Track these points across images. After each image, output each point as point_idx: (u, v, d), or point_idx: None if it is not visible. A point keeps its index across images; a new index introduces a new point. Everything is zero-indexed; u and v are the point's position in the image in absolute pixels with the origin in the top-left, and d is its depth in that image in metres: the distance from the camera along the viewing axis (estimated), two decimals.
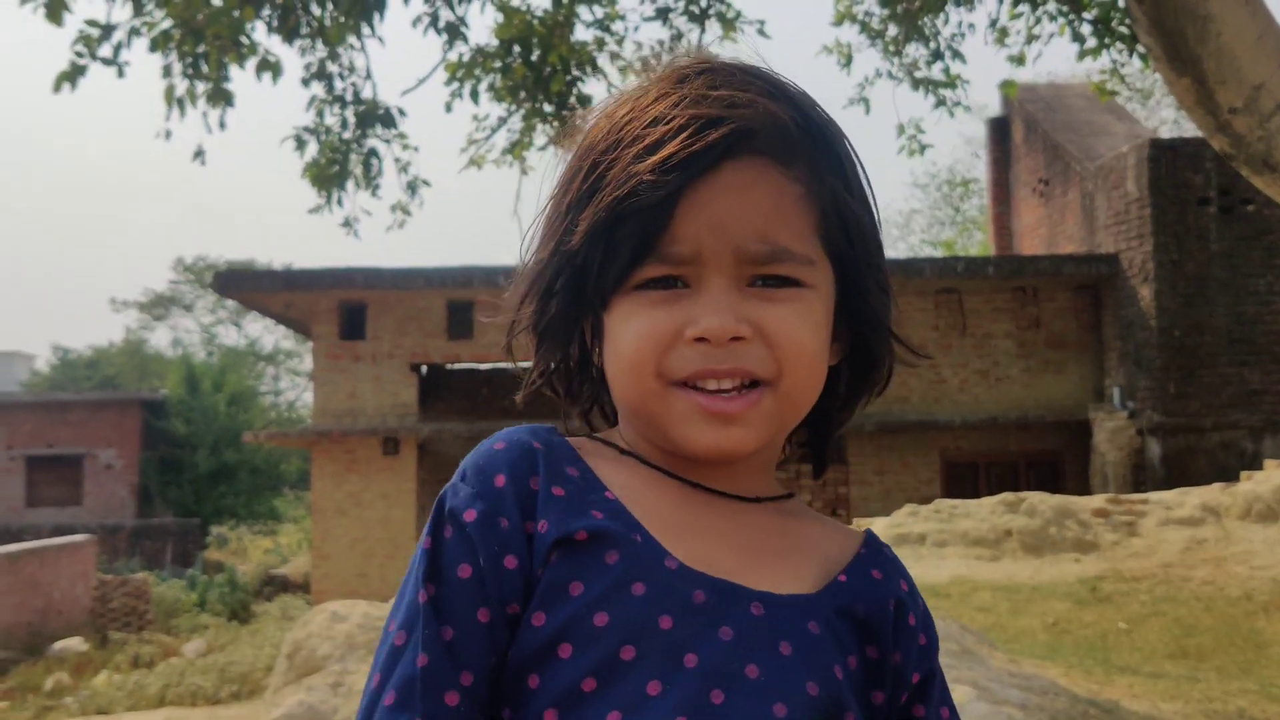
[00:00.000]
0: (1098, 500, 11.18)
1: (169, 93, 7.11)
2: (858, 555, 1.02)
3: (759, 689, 0.88)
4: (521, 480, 0.92)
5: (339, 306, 17.77)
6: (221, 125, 7.45)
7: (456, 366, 19.08)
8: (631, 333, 0.94)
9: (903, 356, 1.07)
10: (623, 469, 0.98)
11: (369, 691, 0.90)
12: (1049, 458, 17.30)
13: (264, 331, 47.57)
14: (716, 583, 0.91)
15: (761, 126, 0.93)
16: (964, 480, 16.89)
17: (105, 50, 6.82)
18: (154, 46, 6.93)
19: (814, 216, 0.96)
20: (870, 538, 1.05)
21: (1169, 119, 30.19)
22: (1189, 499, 10.83)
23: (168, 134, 7.39)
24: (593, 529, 0.90)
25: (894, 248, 36.17)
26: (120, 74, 7.00)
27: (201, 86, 7.22)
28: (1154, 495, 11.29)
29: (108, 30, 6.78)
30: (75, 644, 16.31)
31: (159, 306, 47.16)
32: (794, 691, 0.89)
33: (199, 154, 7.75)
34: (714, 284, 0.93)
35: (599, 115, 1.00)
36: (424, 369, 18.37)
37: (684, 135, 0.91)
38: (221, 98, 7.28)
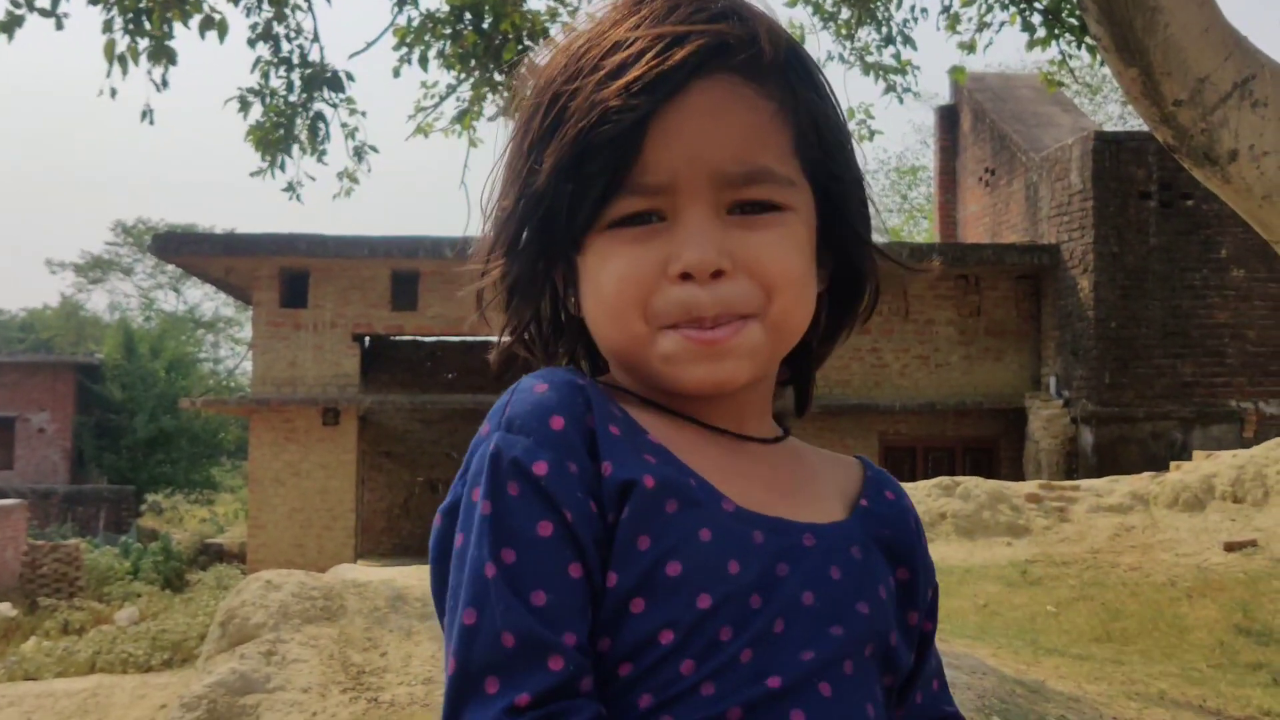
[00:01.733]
0: (1031, 486, 11.35)
1: (109, 48, 6.95)
2: (865, 479, 1.02)
3: (816, 614, 0.88)
4: (579, 420, 0.87)
5: (281, 273, 17.54)
6: (164, 84, 7.30)
7: (400, 338, 18.94)
8: (612, 275, 0.90)
9: (892, 272, 1.03)
10: (652, 415, 0.93)
11: (451, 681, 0.82)
12: (985, 443, 17.54)
13: (204, 298, 46.90)
14: (771, 521, 0.90)
15: (730, 42, 0.89)
16: (902, 463, 17.08)
17: (43, 1, 6.66)
18: None
19: (790, 134, 0.92)
20: (867, 462, 1.05)
21: (1115, 114, 30.62)
22: (1119, 487, 11.03)
23: (112, 92, 7.23)
24: (655, 474, 0.86)
25: None
26: (59, 26, 6.84)
27: (144, 43, 7.07)
28: (1085, 482, 11.49)
29: None
30: (3, 609, 16.03)
31: (96, 269, 46.27)
32: (848, 613, 0.90)
33: (147, 113, 7.60)
34: (692, 214, 0.88)
35: (555, 50, 0.95)
36: (367, 340, 18.21)
37: (649, 56, 0.87)
38: (164, 55, 7.14)
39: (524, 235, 0.94)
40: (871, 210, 1.00)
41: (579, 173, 0.88)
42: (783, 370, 1.03)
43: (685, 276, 0.88)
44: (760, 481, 0.94)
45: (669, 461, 0.88)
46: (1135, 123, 22.71)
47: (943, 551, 10.01)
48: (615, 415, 0.89)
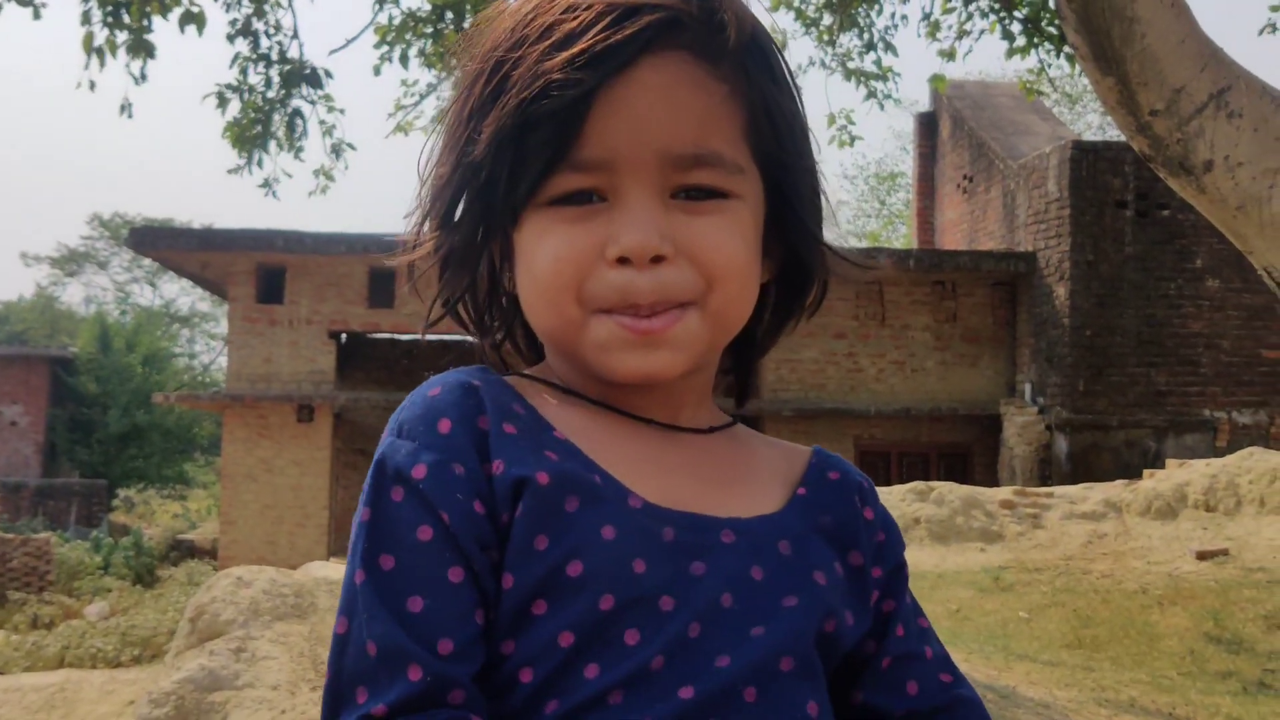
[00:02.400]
0: (1005, 492, 11.40)
1: (87, 41, 6.90)
2: (810, 465, 0.98)
3: (735, 616, 0.84)
4: (470, 421, 0.84)
5: (257, 269, 17.45)
6: (143, 77, 7.25)
7: (377, 336, 18.87)
8: (547, 254, 0.86)
9: (838, 269, 0.99)
10: (568, 407, 0.90)
11: (326, 689, 0.83)
12: (959, 450, 17.61)
13: (180, 292, 46.69)
14: (684, 517, 0.86)
15: (684, 19, 0.84)
16: (876, 468, 17.12)
17: None
18: None
19: (741, 119, 0.88)
20: (819, 450, 1.01)
21: (1094, 124, 30.81)
22: (1092, 494, 11.09)
23: (91, 85, 7.17)
24: (552, 471, 0.83)
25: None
26: (36, 15, 6.78)
27: (122, 36, 7.02)
28: (1059, 489, 11.55)
29: None
30: None
31: (72, 262, 45.98)
32: (771, 612, 0.85)
33: (125, 107, 7.54)
34: (634, 195, 0.84)
35: (502, 14, 0.90)
36: (343, 337, 18.14)
37: (598, 28, 0.82)
38: (142, 49, 7.08)
39: (460, 206, 0.91)
40: (824, 204, 0.97)
41: (518, 145, 0.84)
42: (724, 359, 0.99)
43: (623, 260, 0.84)
44: (684, 474, 0.90)
45: (573, 457, 0.85)
46: (1114, 132, 22.86)
47: (916, 557, 10.03)
48: (515, 413, 0.86)
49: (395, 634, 0.79)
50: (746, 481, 0.93)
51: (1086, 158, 16.00)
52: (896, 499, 10.99)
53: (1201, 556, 9.30)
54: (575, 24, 0.83)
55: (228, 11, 7.76)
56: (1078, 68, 7.00)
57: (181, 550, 21.82)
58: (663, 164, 0.84)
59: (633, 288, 0.84)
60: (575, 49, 0.82)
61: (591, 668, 0.80)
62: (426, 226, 0.94)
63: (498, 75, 0.86)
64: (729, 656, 0.82)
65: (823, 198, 0.96)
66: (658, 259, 0.84)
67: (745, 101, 0.88)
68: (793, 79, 0.94)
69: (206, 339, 46.92)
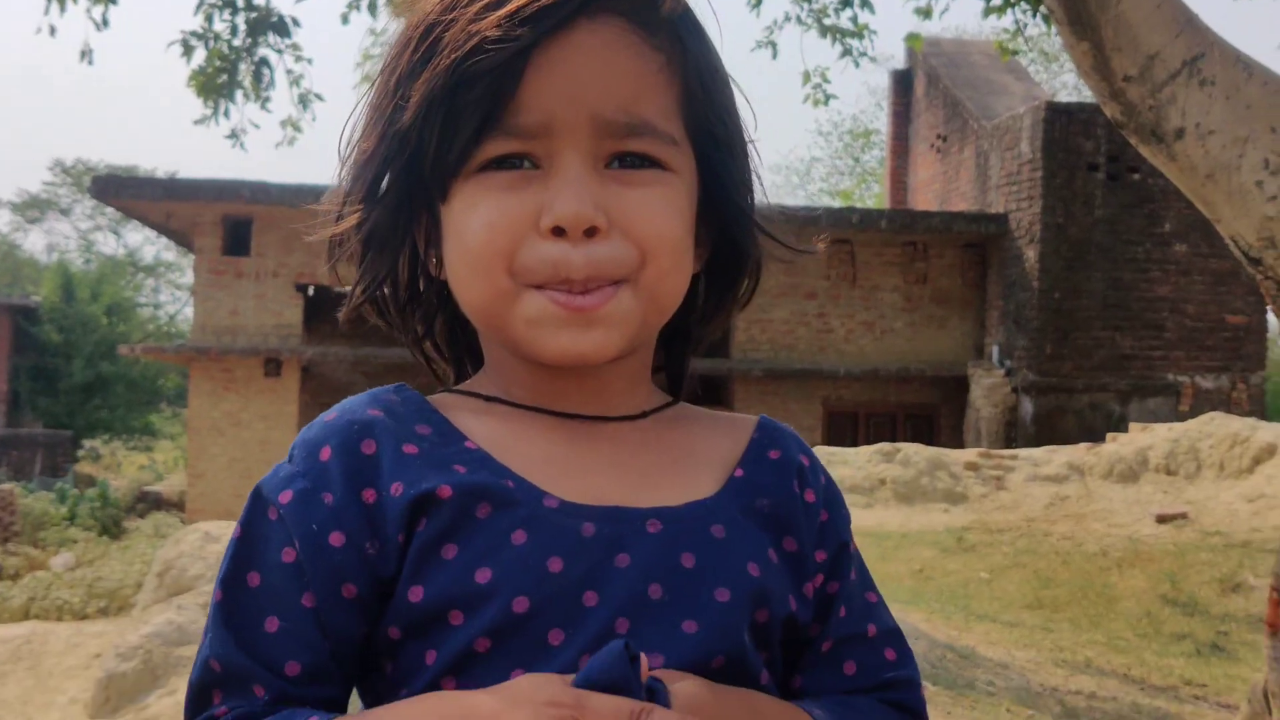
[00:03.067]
0: (970, 454, 11.50)
1: None
2: (751, 442, 0.94)
3: (664, 608, 0.81)
4: (351, 448, 0.83)
5: (223, 220, 17.26)
6: (104, 23, 7.12)
7: (344, 289, 18.71)
8: (478, 222, 0.83)
9: (773, 251, 0.96)
10: (487, 416, 0.89)
11: (187, 693, 0.84)
12: (926, 411, 17.72)
13: (145, 242, 46.10)
14: (605, 511, 0.84)
15: None
16: (844, 429, 17.22)
17: None
18: None
19: (676, 91, 0.86)
20: (764, 420, 0.97)
21: (1070, 83, 30.83)
22: (1056, 457, 11.21)
23: (51, 30, 7.03)
24: (456, 484, 0.82)
25: (793, 195, 36.47)
26: None
27: None
28: (1023, 451, 11.66)
29: None
30: None
31: (33, 208, 45.27)
32: (702, 603, 0.82)
33: (86, 53, 7.41)
34: (568, 162, 0.82)
35: None
36: (310, 290, 18.00)
37: None
38: None
39: (385, 179, 0.88)
40: (757, 184, 0.94)
41: (450, 107, 0.82)
42: (657, 354, 0.97)
43: (557, 231, 0.82)
44: (610, 467, 0.88)
45: (484, 466, 0.84)
46: (1089, 94, 22.88)
47: (881, 516, 10.12)
48: (418, 434, 0.85)
49: (236, 655, 0.81)
50: (680, 466, 0.90)
51: (1060, 119, 16.01)
52: (863, 460, 11.06)
53: (1161, 520, 9.43)
54: None
55: None
56: (1053, 28, 6.99)
57: (148, 502, 21.72)
58: (597, 130, 0.82)
59: (566, 262, 0.82)
60: (510, 7, 0.80)
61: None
62: (348, 204, 0.91)
63: (428, 39, 0.83)
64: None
65: (756, 178, 0.93)
66: (591, 231, 0.82)
67: (681, 73, 0.86)
68: (720, 59, 0.91)
69: (172, 289, 46.45)
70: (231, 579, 0.83)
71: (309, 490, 0.82)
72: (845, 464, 11.03)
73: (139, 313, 39.58)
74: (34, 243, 71.89)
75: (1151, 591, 7.94)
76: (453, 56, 0.81)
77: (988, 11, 8.25)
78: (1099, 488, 10.51)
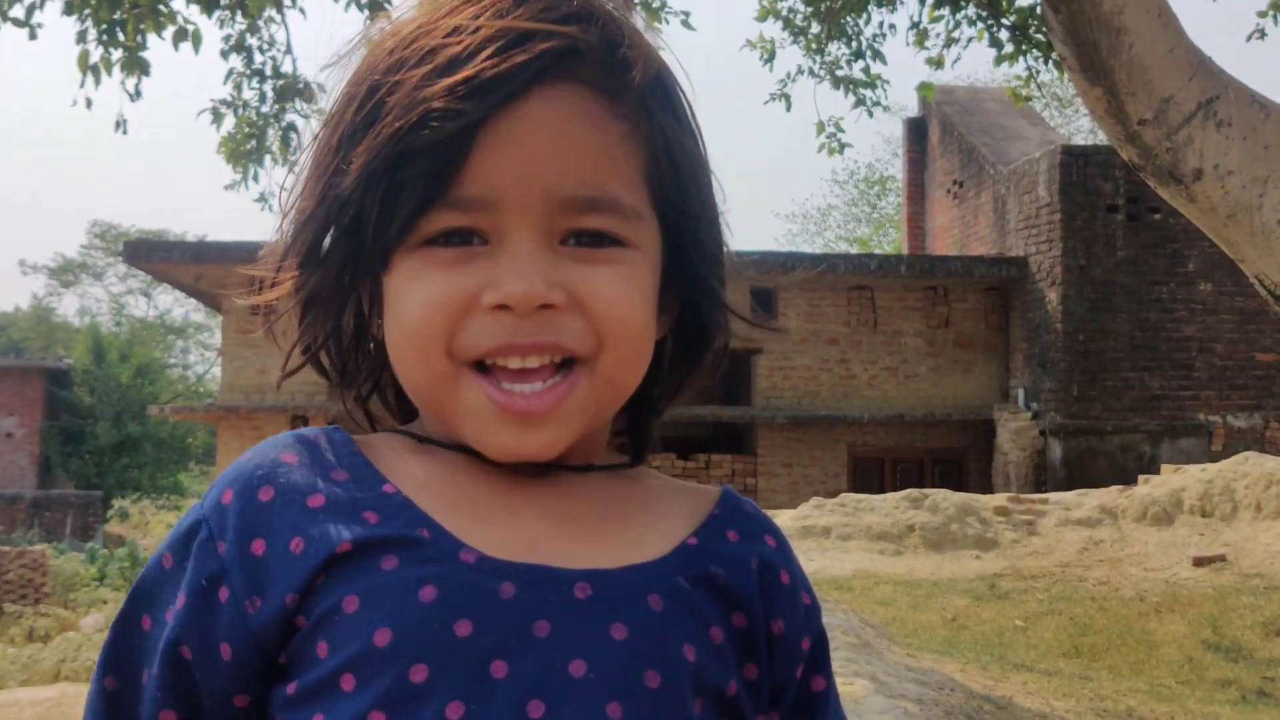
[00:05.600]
0: (999, 499, 11.40)
1: (83, 59, 6.89)
2: (711, 516, 0.84)
3: (587, 689, 0.72)
4: (250, 494, 0.77)
5: (251, 281, 17.42)
6: (138, 93, 7.25)
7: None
8: (416, 300, 0.76)
9: (740, 332, 0.89)
10: (417, 457, 0.81)
11: None
12: (953, 455, 17.61)
13: (175, 303, 46.66)
14: (528, 570, 0.75)
15: (581, 49, 0.76)
16: (870, 475, 17.12)
17: (18, 11, 6.63)
18: (69, 9, 6.72)
19: (641, 161, 0.79)
20: (728, 495, 0.88)
21: (1085, 128, 30.86)
22: (1087, 500, 11.10)
23: (88, 103, 7.17)
24: (360, 539, 0.74)
25: (810, 242, 36.61)
26: (32, 36, 6.79)
27: (117, 54, 7.02)
28: (1054, 495, 11.55)
29: None
30: None
31: (69, 272, 46.00)
32: (630, 685, 0.73)
33: (120, 124, 7.54)
34: (519, 239, 0.75)
35: (385, 31, 0.81)
36: None
37: (485, 54, 0.74)
38: (137, 66, 7.08)
39: (325, 242, 0.81)
40: (727, 256, 0.87)
41: (391, 179, 0.75)
42: (617, 419, 0.88)
43: (502, 309, 0.75)
44: (541, 520, 0.79)
45: (399, 513, 0.76)
46: (1105, 137, 22.95)
47: (910, 564, 10.03)
48: (332, 479, 0.78)
49: (118, 694, 0.78)
50: (623, 524, 0.81)
51: (1076, 162, 16.03)
52: (890, 506, 10.98)
53: (1198, 563, 9.31)
54: (460, 49, 0.75)
55: (221, 28, 7.76)
56: (1065, 75, 7.03)
57: None
58: (551, 206, 0.76)
59: (512, 329, 0.75)
60: (458, 76, 0.74)
61: None
62: (286, 263, 0.84)
63: (371, 101, 0.77)
64: None
65: (725, 250, 0.87)
66: (546, 306, 0.75)
67: (646, 142, 0.80)
68: (695, 120, 0.85)
69: (201, 349, 46.91)
70: (123, 619, 0.80)
71: (209, 538, 0.77)
72: (872, 511, 10.95)
73: (168, 373, 39.93)
74: (67, 305, 72.76)
75: (1192, 637, 7.83)
76: (396, 125, 0.75)
77: (999, 60, 8.29)
78: (1133, 531, 10.39)
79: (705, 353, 0.88)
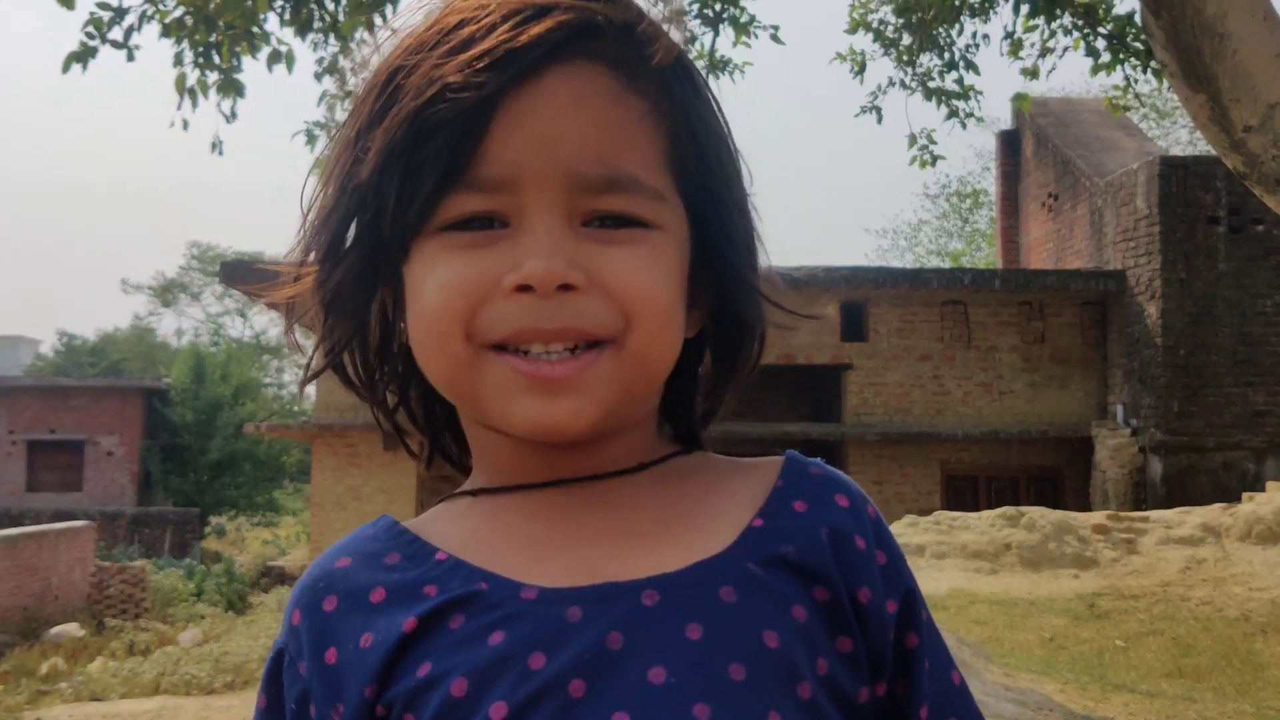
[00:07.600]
0: (1098, 517, 11.16)
1: (180, 81, 7.09)
2: (775, 490, 0.81)
3: (670, 694, 0.71)
4: (315, 608, 0.79)
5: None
6: (233, 115, 7.43)
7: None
8: (435, 283, 0.75)
9: (777, 319, 0.86)
10: (465, 516, 0.82)
11: None
12: (1050, 473, 17.27)
13: (270, 323, 47.69)
14: (591, 591, 0.74)
15: (600, 24, 0.75)
16: (964, 493, 16.86)
17: (116, 33, 6.82)
18: (166, 32, 6.92)
19: (663, 142, 0.77)
20: (790, 462, 0.84)
21: (1184, 139, 30.16)
22: (1190, 518, 10.81)
23: (185, 124, 7.36)
24: (424, 613, 0.75)
25: (902, 258, 36.22)
26: (130, 57, 6.99)
27: (213, 76, 7.20)
28: (1154, 513, 11.27)
29: (119, 13, 6.77)
30: (71, 629, 16.31)
31: (169, 291, 47.34)
32: (713, 683, 0.71)
33: (216, 145, 7.73)
34: (539, 220, 0.74)
35: (406, 28, 0.80)
36: None
37: (502, 29, 0.73)
38: (232, 88, 7.26)
39: (346, 237, 0.80)
40: (759, 246, 0.84)
41: (409, 160, 0.74)
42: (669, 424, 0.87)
43: (524, 289, 0.73)
44: (597, 538, 0.78)
45: (455, 575, 0.77)
46: (1204, 147, 22.37)
47: (1007, 583, 9.86)
48: (387, 567, 0.79)
49: None
50: (686, 521, 0.79)
51: (1176, 173, 15.68)
52: (986, 524, 10.81)
53: None
54: (476, 27, 0.74)
55: (314, 50, 7.93)
56: (1165, 83, 6.87)
57: (272, 577, 22.21)
58: (571, 186, 0.74)
59: (534, 312, 0.73)
60: (475, 50, 0.73)
61: None
62: (308, 261, 0.83)
63: (390, 86, 0.76)
64: None
65: (756, 236, 0.84)
66: (566, 289, 0.73)
67: (668, 122, 0.78)
68: (718, 103, 0.83)
69: (296, 368, 47.87)
70: None
71: (290, 663, 0.80)
72: (967, 529, 10.78)
73: (264, 392, 40.79)
74: (165, 326, 74.90)
75: None
76: (414, 103, 0.74)
77: (1096, 69, 8.14)
78: (1237, 550, 10.09)
79: (747, 344, 0.85)
